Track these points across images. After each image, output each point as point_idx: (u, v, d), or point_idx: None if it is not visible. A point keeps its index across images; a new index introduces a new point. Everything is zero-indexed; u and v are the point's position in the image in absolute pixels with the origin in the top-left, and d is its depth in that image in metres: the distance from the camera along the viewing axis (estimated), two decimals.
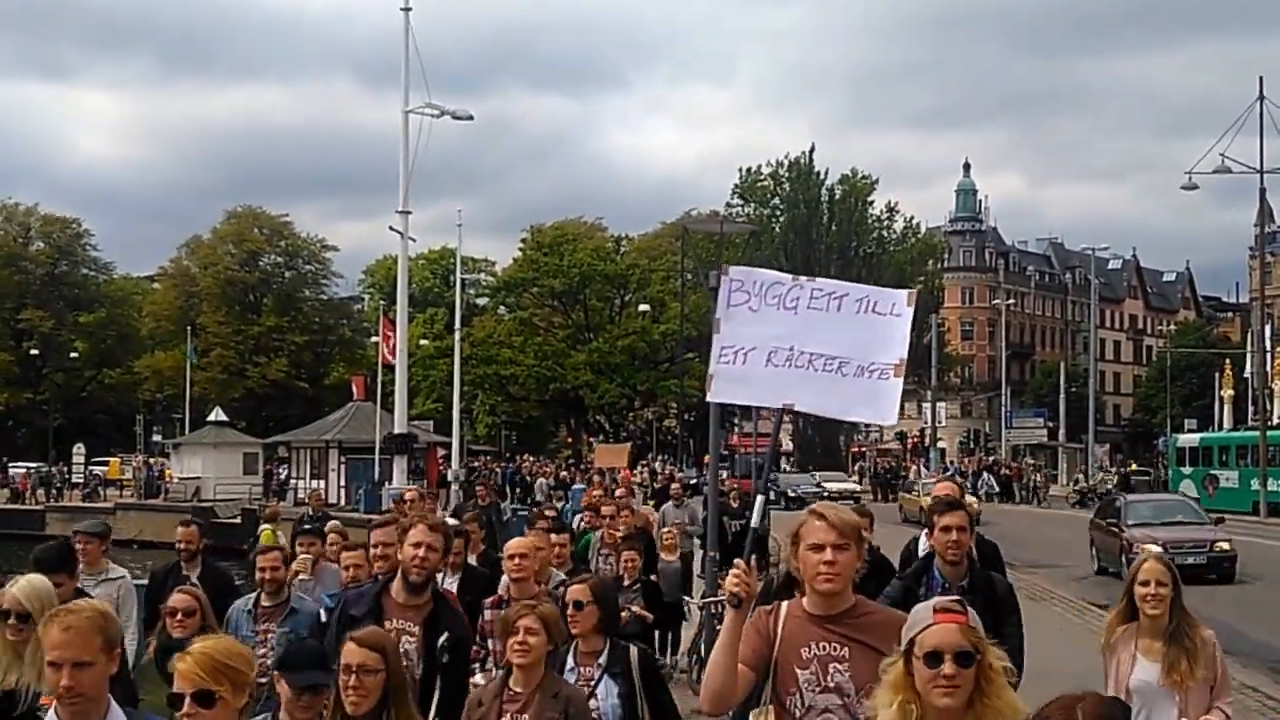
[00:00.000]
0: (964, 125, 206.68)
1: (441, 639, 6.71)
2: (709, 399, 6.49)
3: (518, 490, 54.54)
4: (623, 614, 9.90)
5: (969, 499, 32.28)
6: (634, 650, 6.76)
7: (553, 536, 10.57)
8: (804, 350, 5.83)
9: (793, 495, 52.17)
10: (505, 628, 6.15)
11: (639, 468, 61.12)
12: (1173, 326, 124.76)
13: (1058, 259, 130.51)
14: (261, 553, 8.94)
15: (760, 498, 6.04)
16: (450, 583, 9.38)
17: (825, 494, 51.48)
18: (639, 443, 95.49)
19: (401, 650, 6.15)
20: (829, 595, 4.76)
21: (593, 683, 6.52)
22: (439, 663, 6.66)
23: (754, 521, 5.88)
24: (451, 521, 13.98)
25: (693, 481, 42.50)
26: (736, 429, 70.46)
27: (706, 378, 6.04)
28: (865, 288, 6.12)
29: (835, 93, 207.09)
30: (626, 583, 11.12)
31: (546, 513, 15.15)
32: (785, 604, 4.94)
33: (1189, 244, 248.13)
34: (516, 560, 8.30)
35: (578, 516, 19.72)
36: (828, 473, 67.40)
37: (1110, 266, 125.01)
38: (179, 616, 7.63)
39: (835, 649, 4.75)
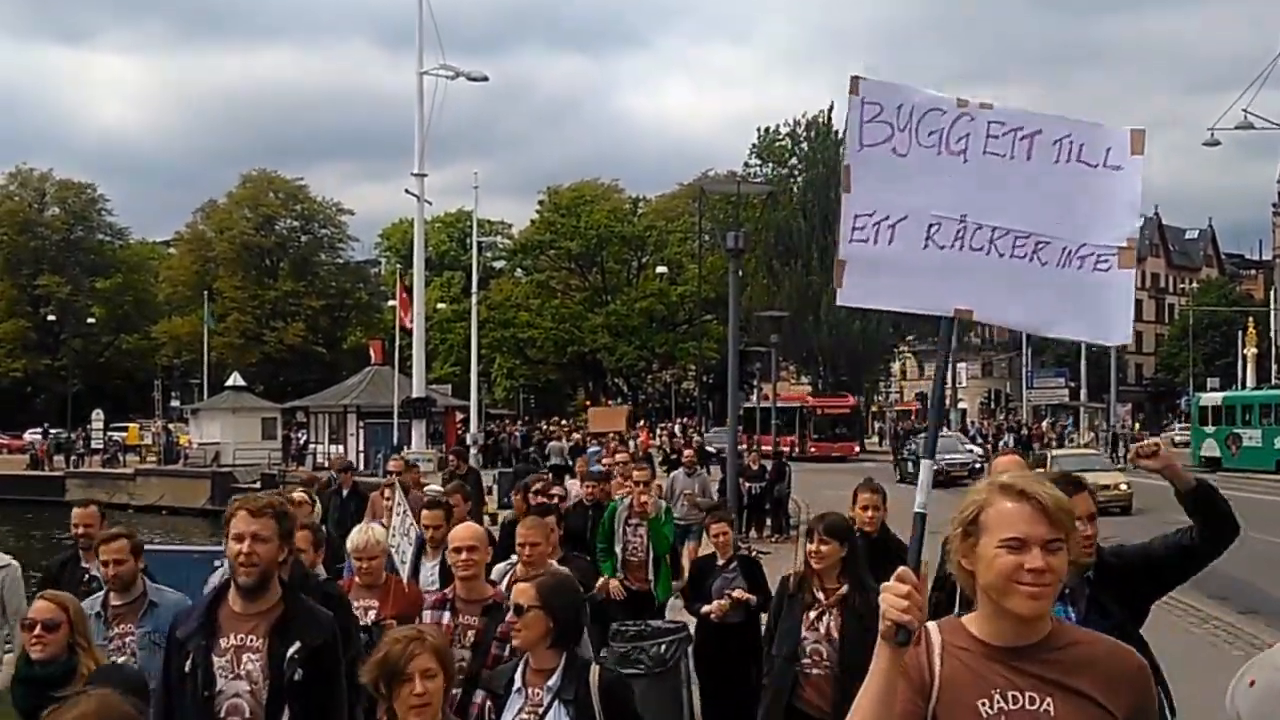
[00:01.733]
0: (987, 84, 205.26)
1: (291, 650, 5.30)
2: (839, 300, 4.02)
3: (532, 454, 54.16)
4: (717, 603, 9.15)
5: (1104, 477, 31.26)
6: (596, 669, 5.51)
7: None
8: (982, 223, 3.93)
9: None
10: (390, 669, 4.53)
11: (658, 431, 60.79)
12: (1195, 284, 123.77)
13: None
14: (105, 541, 7.02)
15: (927, 465, 3.80)
16: (433, 568, 8.74)
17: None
18: (656, 405, 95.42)
19: (243, 672, 5.28)
20: (1031, 619, 3.14)
21: (541, 709, 5.29)
22: (289, 682, 5.27)
23: (918, 503, 3.71)
24: (433, 489, 13.32)
25: (710, 450, 40.62)
26: (756, 390, 70.22)
27: (835, 265, 3.97)
28: (1065, 120, 4.06)
29: (856, 52, 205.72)
30: (720, 561, 9.62)
31: (539, 488, 12.11)
32: (937, 629, 3.29)
33: (1212, 201, 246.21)
34: (464, 555, 6.89)
35: (581, 485, 17.13)
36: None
37: None
38: (37, 631, 6.02)
39: (1033, 700, 3.09)
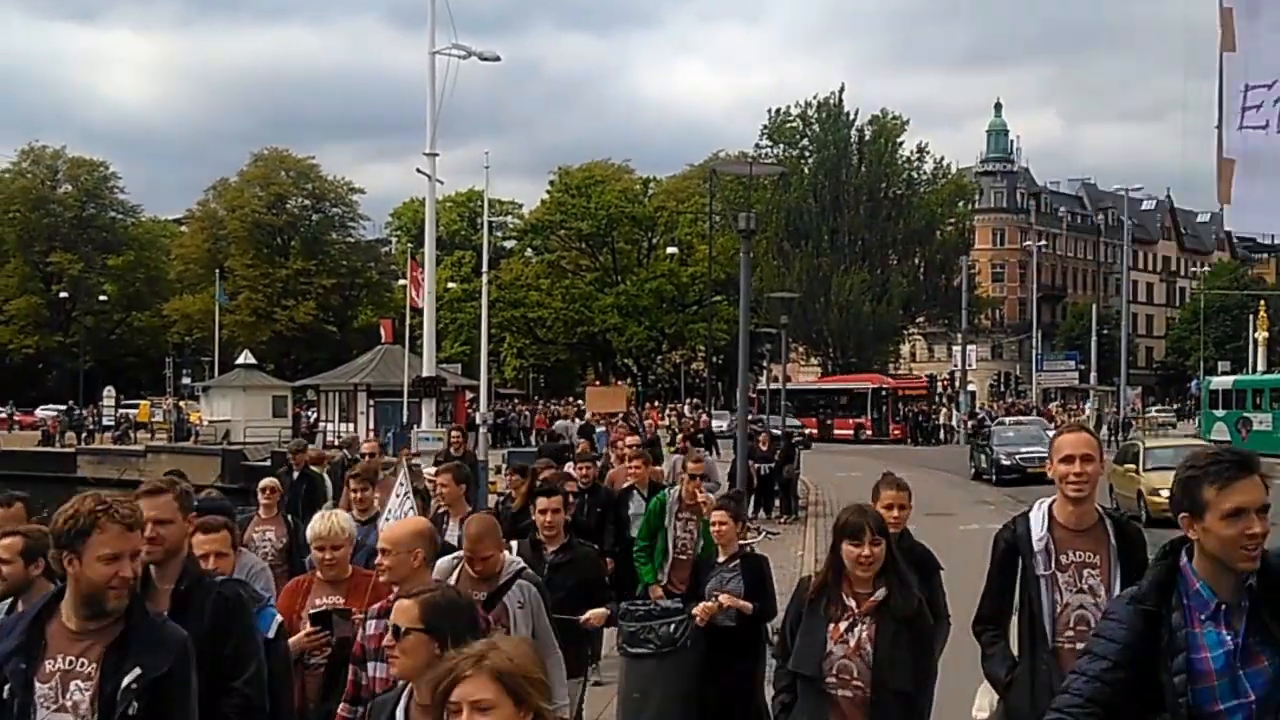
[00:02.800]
0: (1000, 64, 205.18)
1: (128, 679, 4.40)
2: (1227, 224, 2.64)
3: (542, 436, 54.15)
4: (704, 605, 8.30)
5: None
6: None
7: (540, 499, 8.49)
8: None
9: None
10: (437, 696, 3.40)
11: (667, 412, 60.84)
12: (1206, 268, 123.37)
13: (1090, 200, 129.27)
14: None
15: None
16: None
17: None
18: (666, 386, 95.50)
19: (69, 703, 4.40)
20: None
21: None
22: (121, 717, 4.37)
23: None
24: (429, 472, 12.70)
25: (721, 428, 40.45)
26: (766, 372, 70.21)
27: (1219, 167, 2.79)
28: None
29: (869, 33, 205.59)
30: (720, 557, 8.60)
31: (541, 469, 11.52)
32: None
33: None
34: (381, 560, 6.07)
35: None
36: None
37: (1143, 208, 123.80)
38: None
39: None
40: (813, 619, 5.83)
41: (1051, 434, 31.72)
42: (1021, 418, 53.45)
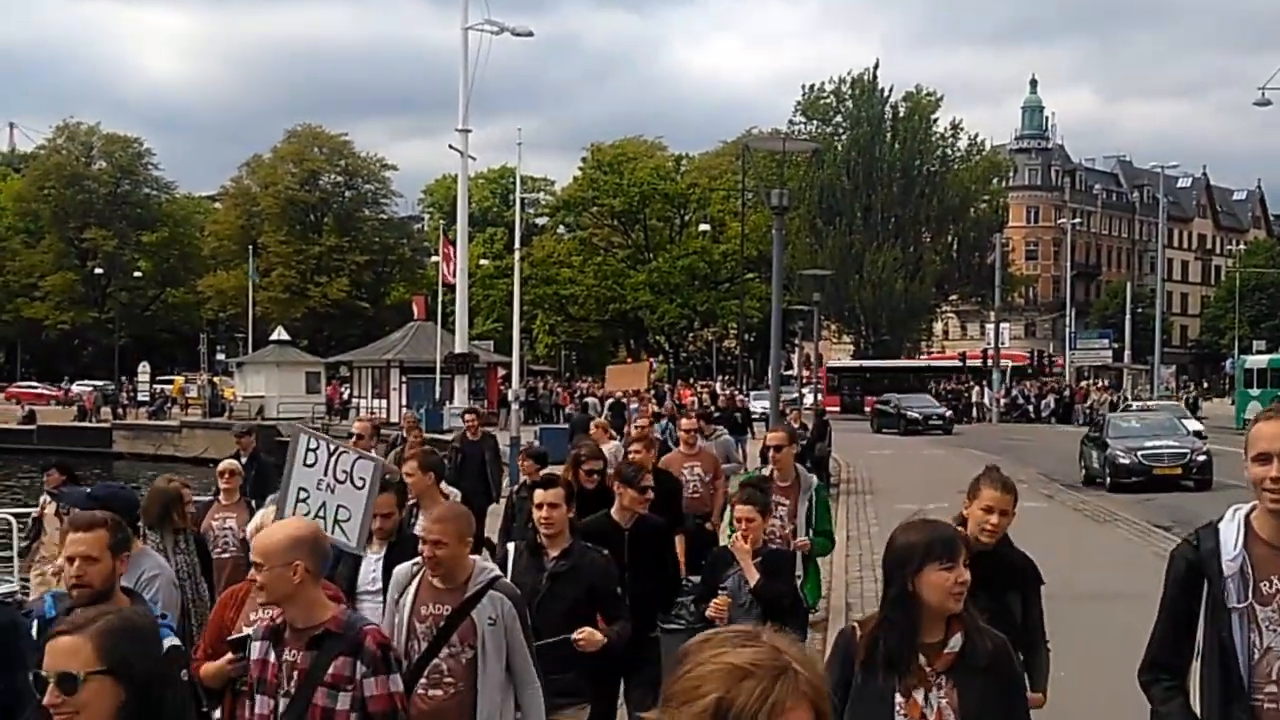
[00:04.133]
0: (1037, 41, 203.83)
1: None
2: None
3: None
4: (715, 601, 7.16)
5: None
6: None
7: (538, 491, 7.08)
8: None
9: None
10: None
11: (699, 389, 60.77)
12: (1242, 246, 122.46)
13: (1125, 177, 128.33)
14: None
15: None
16: (376, 562, 6.97)
17: None
18: (698, 364, 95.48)
19: None
20: None
21: None
22: None
23: None
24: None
25: (750, 409, 36.40)
26: (797, 349, 70.12)
27: None
28: None
29: (905, 9, 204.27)
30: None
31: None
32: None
33: (1261, 162, 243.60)
34: (254, 575, 5.04)
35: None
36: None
37: (1179, 185, 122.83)
38: None
39: None
40: (870, 686, 4.19)
41: (1196, 428, 35.40)
42: (1150, 403, 49.93)
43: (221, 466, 10.81)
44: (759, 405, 48.06)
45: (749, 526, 7.31)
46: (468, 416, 18.76)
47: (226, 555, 9.80)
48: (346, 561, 6.83)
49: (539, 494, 6.91)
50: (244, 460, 13.31)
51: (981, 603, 4.43)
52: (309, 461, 6.35)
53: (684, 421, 14.06)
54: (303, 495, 6.29)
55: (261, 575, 4.79)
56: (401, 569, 5.84)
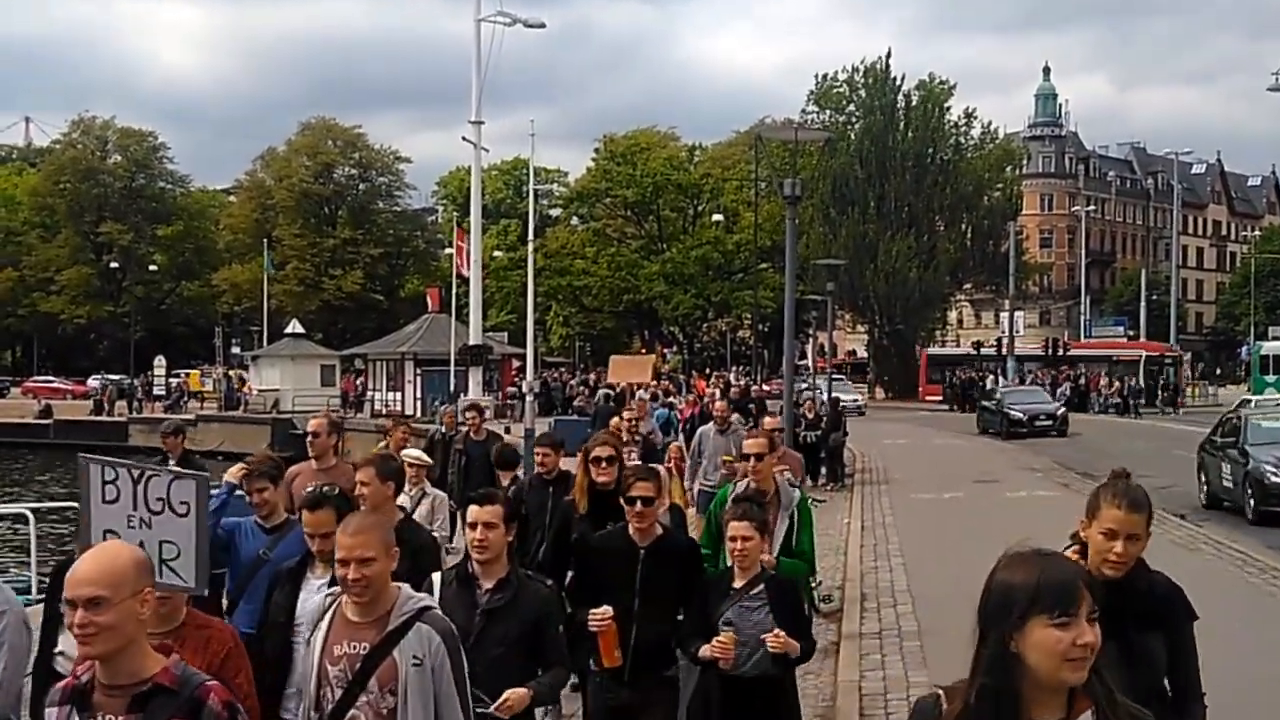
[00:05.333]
0: (1050, 28, 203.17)
1: None
2: None
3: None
4: (718, 640, 6.08)
5: None
6: None
7: (472, 509, 5.71)
8: None
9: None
10: None
11: (713, 379, 60.76)
12: (1257, 232, 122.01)
13: (1139, 164, 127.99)
14: None
15: None
16: (320, 587, 5.68)
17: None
18: (712, 354, 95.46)
19: None
20: None
21: None
22: None
23: None
24: (412, 455, 11.03)
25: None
26: (811, 339, 70.07)
27: None
28: None
29: None
30: (738, 582, 6.32)
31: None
32: None
33: (1276, 148, 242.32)
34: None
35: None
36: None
37: (1194, 171, 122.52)
38: None
39: None
40: None
41: None
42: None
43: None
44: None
45: (745, 546, 6.24)
46: (468, 414, 16.58)
47: None
48: (284, 589, 5.93)
49: (473, 511, 5.60)
50: (173, 462, 12.23)
51: (1111, 654, 3.25)
52: (109, 497, 5.02)
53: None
54: (110, 538, 4.68)
55: (107, 615, 3.55)
56: (314, 600, 4.95)
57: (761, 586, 6.24)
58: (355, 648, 4.49)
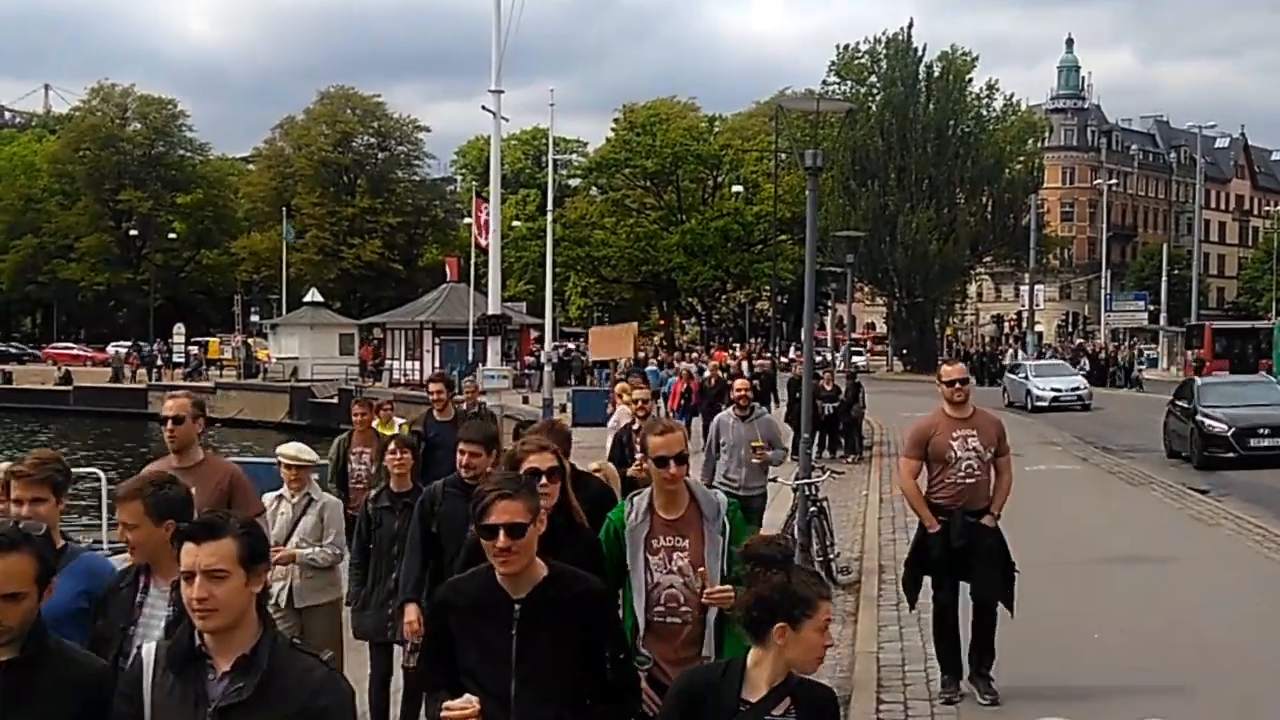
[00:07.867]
0: (1070, 1, 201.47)
1: None
2: None
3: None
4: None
5: None
6: None
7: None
8: None
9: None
10: None
11: (732, 350, 60.59)
12: None
13: (1162, 138, 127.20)
14: None
15: None
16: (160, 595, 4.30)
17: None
18: (731, 325, 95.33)
19: None
20: None
21: None
22: None
23: None
24: (289, 452, 8.64)
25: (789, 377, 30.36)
26: (831, 311, 69.89)
27: None
28: None
29: None
30: (752, 697, 3.89)
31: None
32: None
33: None
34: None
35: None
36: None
37: (1217, 145, 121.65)
38: None
39: None
40: None
41: None
42: None
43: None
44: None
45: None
46: (432, 386, 13.68)
47: None
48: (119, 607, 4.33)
49: (186, 553, 3.47)
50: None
51: None
52: None
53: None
54: None
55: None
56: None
57: (788, 699, 3.86)
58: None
